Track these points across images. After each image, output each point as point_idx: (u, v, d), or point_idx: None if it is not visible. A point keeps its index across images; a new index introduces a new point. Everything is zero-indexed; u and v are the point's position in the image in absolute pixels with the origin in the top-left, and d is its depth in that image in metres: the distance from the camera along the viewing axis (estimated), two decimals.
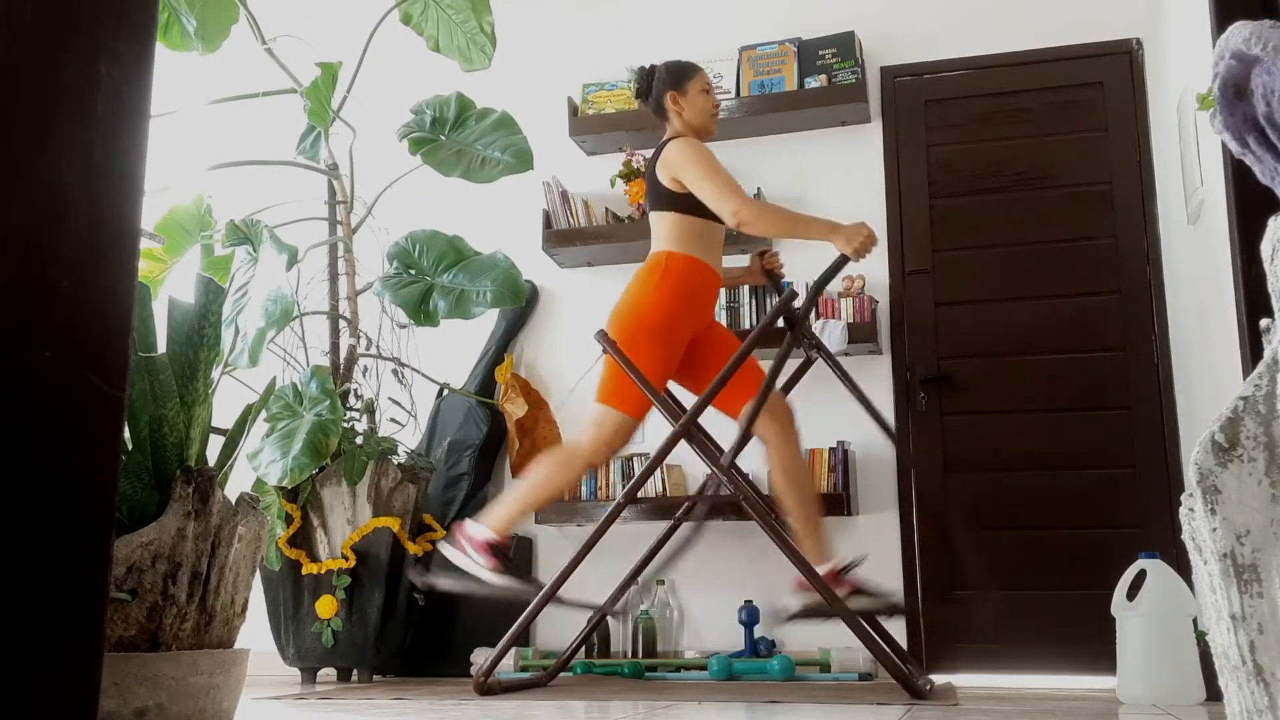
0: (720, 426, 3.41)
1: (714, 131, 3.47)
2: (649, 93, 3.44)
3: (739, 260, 3.76)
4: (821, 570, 3.05)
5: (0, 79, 0.65)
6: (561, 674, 3.59)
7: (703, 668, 3.72)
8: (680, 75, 3.41)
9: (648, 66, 3.49)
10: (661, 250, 3.29)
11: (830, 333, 3.90)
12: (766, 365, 3.89)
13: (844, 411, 3.94)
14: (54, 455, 0.68)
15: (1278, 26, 1.33)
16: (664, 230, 3.31)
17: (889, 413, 4.05)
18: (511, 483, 3.40)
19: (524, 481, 3.32)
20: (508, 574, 3.21)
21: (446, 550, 3.26)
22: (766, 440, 3.23)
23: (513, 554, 4.19)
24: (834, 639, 3.63)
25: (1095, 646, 3.48)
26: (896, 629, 3.73)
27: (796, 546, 3.09)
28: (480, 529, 3.22)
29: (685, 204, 3.24)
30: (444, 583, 3.25)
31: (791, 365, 3.55)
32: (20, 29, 0.67)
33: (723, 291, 3.87)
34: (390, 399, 4.19)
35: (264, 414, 3.68)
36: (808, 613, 3.12)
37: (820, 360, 3.46)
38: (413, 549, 3.78)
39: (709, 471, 3.38)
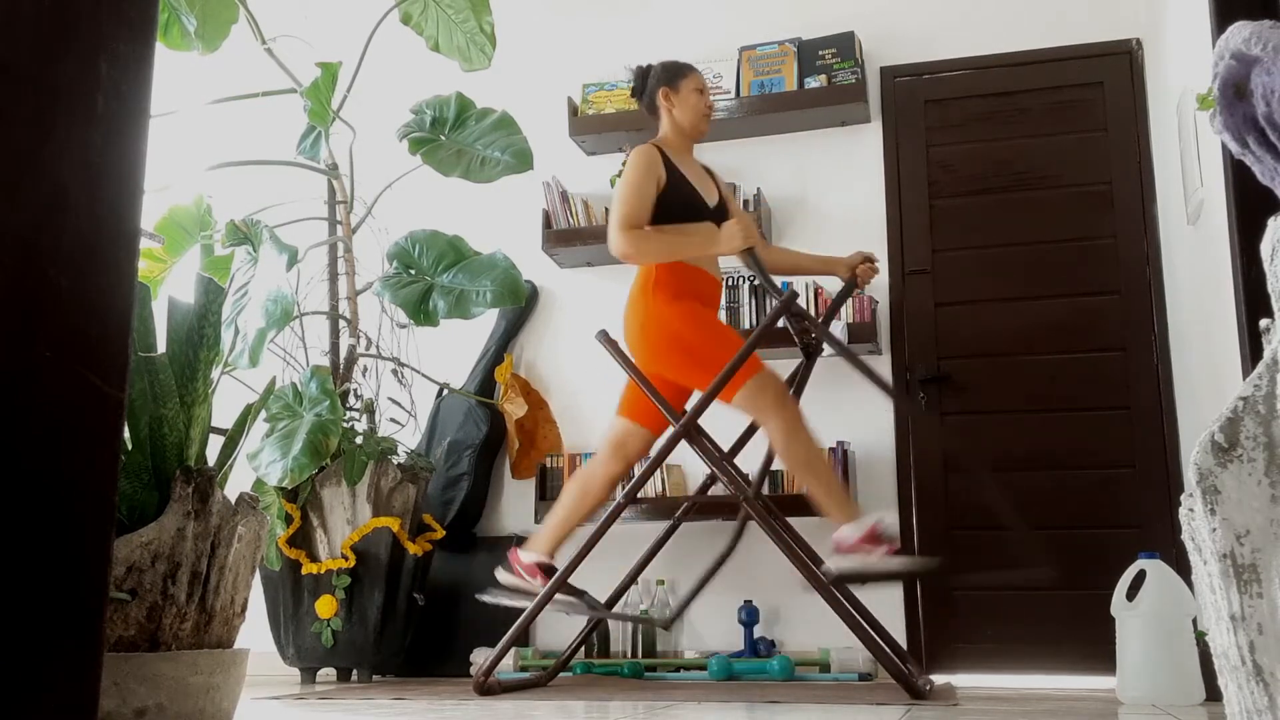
0: (720, 427, 3.40)
1: (704, 132, 3.44)
2: (644, 90, 3.45)
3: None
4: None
5: (0, 79, 0.65)
6: (561, 674, 3.59)
7: (702, 668, 3.73)
8: (675, 73, 3.41)
9: (645, 65, 3.49)
10: (648, 263, 3.30)
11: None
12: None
13: (844, 412, 3.95)
14: (54, 455, 0.67)
15: (1278, 27, 1.33)
16: None
17: (889, 413, 4.06)
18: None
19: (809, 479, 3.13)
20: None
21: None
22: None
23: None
24: (834, 639, 3.63)
25: (1095, 646, 3.48)
26: (896, 629, 3.73)
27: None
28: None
29: (658, 213, 3.23)
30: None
31: (789, 366, 3.55)
32: (20, 29, 0.67)
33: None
34: (390, 399, 4.19)
35: (264, 414, 3.68)
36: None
37: (818, 360, 3.46)
38: (412, 549, 3.78)
39: (709, 471, 3.38)
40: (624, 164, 4.26)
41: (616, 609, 3.51)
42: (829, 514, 3.07)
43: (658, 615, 3.98)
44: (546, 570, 3.23)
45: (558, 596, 3.18)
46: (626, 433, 3.29)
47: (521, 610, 3.22)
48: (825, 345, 3.57)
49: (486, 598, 3.35)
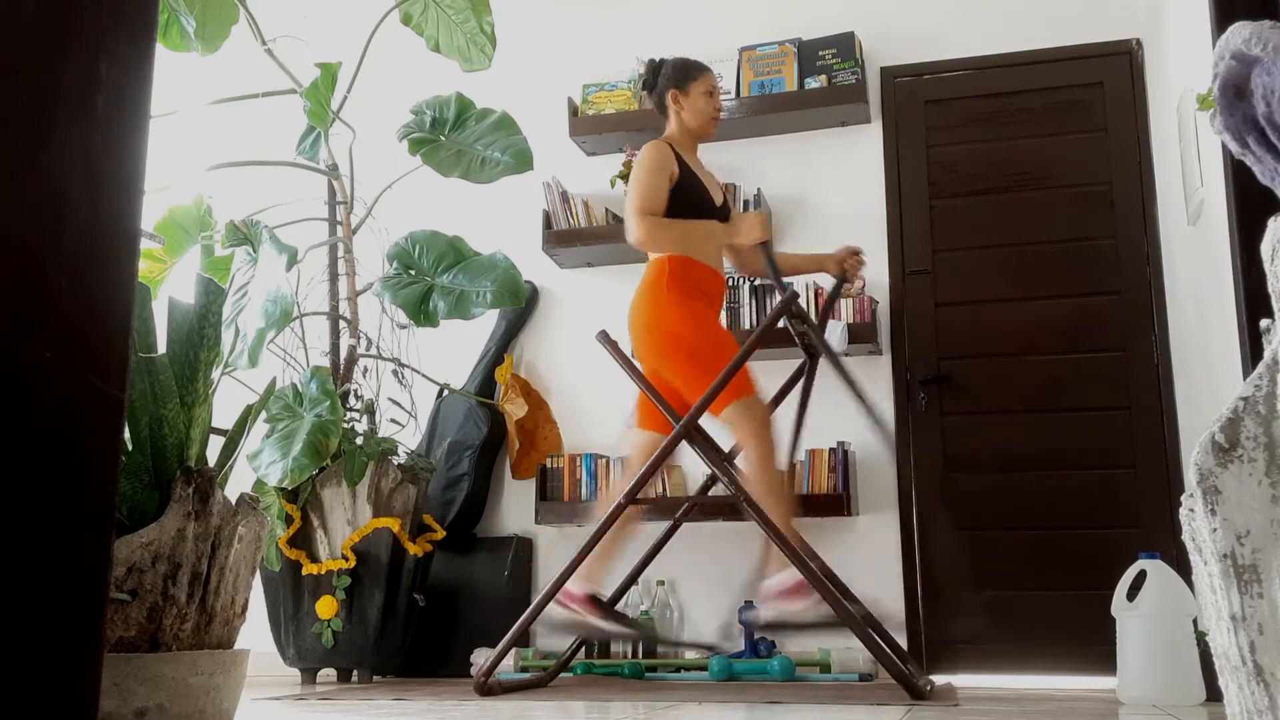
0: (720, 427, 3.40)
1: (711, 134, 3.46)
2: (654, 86, 3.46)
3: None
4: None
5: (0, 79, 0.65)
6: (562, 674, 3.59)
7: (703, 668, 3.72)
8: (685, 74, 3.42)
9: (657, 60, 3.49)
10: (659, 256, 3.30)
11: (831, 333, 3.90)
12: (766, 367, 3.90)
13: (844, 412, 3.94)
14: (54, 455, 0.67)
15: (1278, 27, 1.33)
16: None
17: (889, 413, 4.05)
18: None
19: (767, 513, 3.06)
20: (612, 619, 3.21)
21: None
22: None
23: (514, 556, 4.20)
24: (834, 639, 3.63)
25: (1095, 646, 3.48)
26: (896, 629, 3.73)
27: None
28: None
29: (669, 208, 3.25)
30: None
31: (790, 366, 3.55)
32: (20, 29, 0.67)
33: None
34: (390, 399, 4.19)
35: (264, 414, 3.68)
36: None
37: (821, 361, 3.46)
38: (413, 549, 3.78)
39: (709, 472, 3.38)
40: (625, 164, 4.28)
41: (619, 608, 3.50)
42: (767, 556, 3.10)
43: (658, 617, 3.97)
44: (595, 601, 3.18)
45: (606, 625, 3.16)
46: (653, 444, 3.25)
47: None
48: (829, 345, 3.56)
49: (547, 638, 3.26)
